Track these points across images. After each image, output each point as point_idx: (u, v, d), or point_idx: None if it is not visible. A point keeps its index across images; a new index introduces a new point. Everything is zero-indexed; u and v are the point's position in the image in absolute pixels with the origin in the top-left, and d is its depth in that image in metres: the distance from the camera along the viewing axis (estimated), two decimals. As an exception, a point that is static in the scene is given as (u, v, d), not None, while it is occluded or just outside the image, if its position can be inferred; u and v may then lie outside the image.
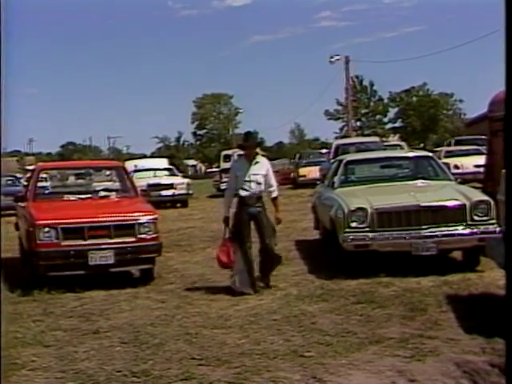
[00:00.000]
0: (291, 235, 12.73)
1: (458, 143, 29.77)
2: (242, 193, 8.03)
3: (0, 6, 3.31)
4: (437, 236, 8.48)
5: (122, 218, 8.97)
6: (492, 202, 8.33)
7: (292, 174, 34.33)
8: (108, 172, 12.62)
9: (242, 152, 8.57)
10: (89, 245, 8.66)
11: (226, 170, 30.35)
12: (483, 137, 18.40)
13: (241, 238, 8.03)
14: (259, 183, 8.05)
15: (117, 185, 11.00)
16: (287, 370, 5.17)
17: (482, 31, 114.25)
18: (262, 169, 8.13)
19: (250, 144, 8.24)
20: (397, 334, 5.97)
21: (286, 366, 5.28)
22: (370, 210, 8.59)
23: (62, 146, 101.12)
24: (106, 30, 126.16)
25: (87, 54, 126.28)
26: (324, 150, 36.74)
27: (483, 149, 18.72)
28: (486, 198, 8.67)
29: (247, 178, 8.01)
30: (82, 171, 12.70)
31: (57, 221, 8.72)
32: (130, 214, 9.08)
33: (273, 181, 8.27)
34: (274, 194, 8.32)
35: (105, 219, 8.88)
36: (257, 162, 8.13)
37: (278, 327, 6.45)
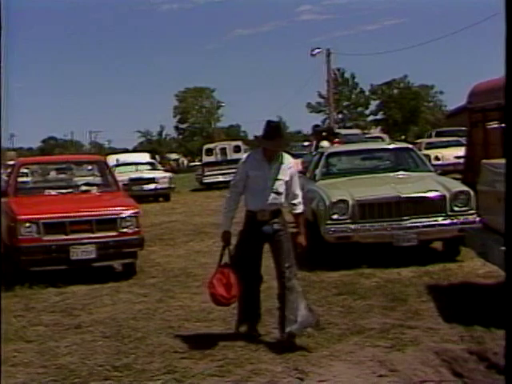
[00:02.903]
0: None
1: (438, 135, 30.00)
2: (254, 204, 5.63)
3: (0, 6, 3.28)
4: (417, 227, 8.55)
5: (104, 213, 8.94)
6: (472, 193, 8.41)
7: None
8: (89, 167, 12.56)
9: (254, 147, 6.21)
10: (70, 239, 8.63)
11: (208, 164, 30.44)
12: (463, 128, 18.52)
13: (246, 266, 5.68)
14: (279, 193, 5.59)
15: (98, 179, 10.97)
16: (269, 362, 5.20)
17: (461, 24, 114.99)
18: (285, 172, 5.63)
19: (274, 147, 5.60)
20: (378, 325, 6.02)
21: (268, 357, 5.31)
22: (351, 202, 8.64)
23: (44, 141, 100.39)
24: (87, 25, 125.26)
25: (68, 48, 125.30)
26: (306, 143, 36.79)
27: (463, 140, 18.87)
28: (465, 188, 8.76)
29: (263, 185, 5.58)
30: (63, 166, 12.66)
31: (38, 216, 8.68)
32: (112, 209, 9.06)
33: (298, 190, 5.75)
34: (299, 209, 5.75)
35: (86, 214, 8.86)
36: (280, 163, 5.63)
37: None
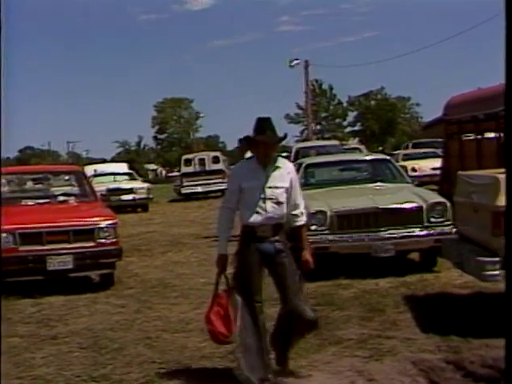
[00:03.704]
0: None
1: (415, 146, 30.31)
2: (252, 218, 4.81)
3: (0, 6, 3.25)
4: (395, 238, 8.61)
5: (81, 223, 8.89)
6: (448, 204, 8.49)
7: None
8: (67, 177, 12.49)
9: (246, 153, 5.83)
10: (47, 250, 8.56)
11: (186, 174, 30.40)
12: (439, 140, 18.74)
13: (247, 293, 4.81)
14: (280, 202, 4.84)
15: (76, 189, 10.91)
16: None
17: (437, 37, 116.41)
18: (284, 178, 4.90)
19: (268, 138, 4.86)
20: (356, 335, 6.05)
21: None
22: (329, 213, 8.68)
23: (20, 151, 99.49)
24: (65, 34, 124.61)
25: (45, 57, 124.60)
26: (284, 154, 36.87)
27: (440, 151, 19.09)
28: (442, 199, 8.84)
29: (261, 194, 4.82)
30: (41, 176, 12.56)
31: (14, 226, 8.60)
32: (90, 219, 9.01)
33: (299, 199, 5.02)
34: (301, 221, 5.02)
35: (63, 224, 8.80)
36: (277, 168, 4.91)
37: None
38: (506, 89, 2.16)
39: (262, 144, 4.83)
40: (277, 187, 4.84)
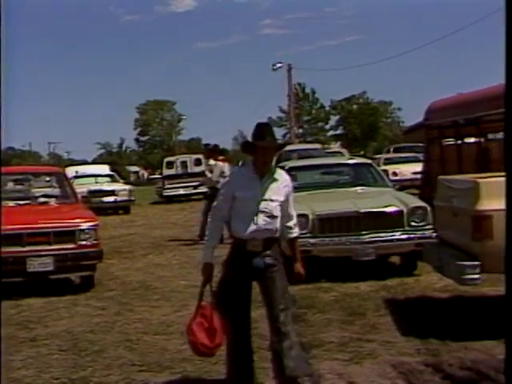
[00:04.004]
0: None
1: (396, 150, 30.50)
2: (243, 231, 4.58)
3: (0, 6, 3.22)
4: (376, 241, 8.66)
5: (62, 225, 8.85)
6: (428, 208, 8.56)
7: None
8: (48, 178, 12.41)
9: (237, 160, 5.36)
10: (27, 251, 8.50)
11: (168, 177, 30.33)
12: (420, 144, 18.88)
13: (233, 309, 4.62)
14: (274, 216, 4.62)
15: (57, 191, 10.85)
16: (228, 375, 5.19)
17: (419, 42, 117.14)
18: (280, 192, 4.67)
19: (267, 144, 4.65)
20: (336, 338, 6.07)
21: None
22: (311, 216, 8.71)
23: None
24: (47, 34, 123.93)
25: (27, 57, 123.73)
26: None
27: (421, 156, 19.23)
28: (422, 204, 8.91)
29: (254, 206, 4.58)
30: (21, 177, 12.45)
31: (-6, 227, 8.52)
32: (70, 221, 8.96)
33: (293, 211, 4.85)
34: (294, 233, 4.88)
35: (44, 226, 8.75)
36: (274, 180, 4.67)
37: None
38: (506, 89, 2.17)
39: (262, 149, 4.59)
40: (272, 200, 4.61)
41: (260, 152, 4.59)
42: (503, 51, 2.17)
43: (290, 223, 4.82)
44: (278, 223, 4.65)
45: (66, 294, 8.58)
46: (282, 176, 4.75)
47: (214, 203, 4.81)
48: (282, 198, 4.65)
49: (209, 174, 13.78)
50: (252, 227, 4.55)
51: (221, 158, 14.17)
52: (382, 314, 6.85)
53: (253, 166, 4.67)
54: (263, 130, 4.75)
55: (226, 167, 13.86)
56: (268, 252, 4.62)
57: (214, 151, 14.53)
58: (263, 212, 4.56)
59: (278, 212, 4.63)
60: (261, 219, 4.56)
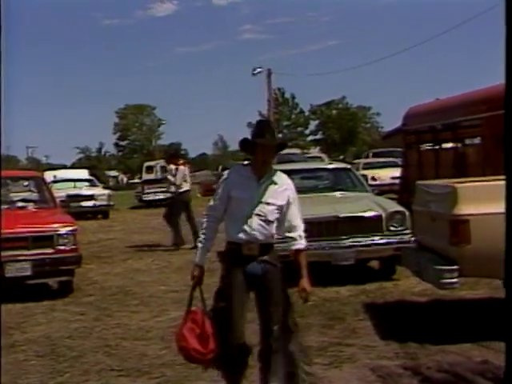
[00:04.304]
0: (213, 246, 12.75)
1: (375, 155, 30.69)
2: (238, 235, 4.30)
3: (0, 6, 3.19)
4: (355, 246, 8.70)
5: (40, 230, 8.78)
6: (407, 213, 8.62)
7: (215, 186, 34.47)
8: (26, 182, 12.30)
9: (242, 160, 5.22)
10: (5, 256, 8.42)
11: (148, 181, 30.22)
12: (399, 149, 19.01)
13: (227, 318, 4.28)
14: (269, 221, 4.31)
15: (35, 195, 10.77)
16: (208, 380, 5.17)
17: (398, 47, 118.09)
18: (278, 195, 4.35)
19: (267, 141, 4.36)
20: (316, 343, 6.08)
21: (206, 375, 5.27)
22: (290, 221, 8.71)
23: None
24: (26, 37, 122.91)
25: (6, 60, 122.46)
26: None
27: (399, 161, 19.36)
28: (401, 208, 8.97)
29: (248, 208, 4.29)
30: (-1, 181, 12.33)
31: (-29, 232, 8.44)
32: (49, 226, 8.90)
33: (297, 220, 4.43)
34: (298, 245, 4.42)
35: (22, 230, 8.68)
36: (272, 182, 4.37)
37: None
38: (506, 89, 2.19)
39: (261, 147, 4.30)
40: (268, 203, 4.29)
41: (259, 150, 4.33)
42: (503, 51, 2.17)
43: (294, 234, 4.39)
44: (273, 229, 4.34)
45: (44, 299, 8.51)
46: (282, 179, 4.43)
47: (210, 202, 4.52)
48: (279, 202, 4.33)
49: (172, 179, 13.90)
50: (246, 230, 4.26)
51: (181, 162, 14.32)
52: (361, 319, 6.88)
53: (251, 165, 4.43)
54: (263, 127, 4.50)
55: (186, 170, 14.18)
56: (265, 257, 4.32)
57: (174, 156, 14.80)
58: (258, 215, 4.28)
59: (273, 217, 4.31)
60: (255, 223, 4.27)
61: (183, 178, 13.75)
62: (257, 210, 4.27)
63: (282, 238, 4.42)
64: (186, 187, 13.79)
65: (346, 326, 6.65)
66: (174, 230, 13.76)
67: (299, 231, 4.41)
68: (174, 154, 15.31)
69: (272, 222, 4.31)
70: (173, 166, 14.03)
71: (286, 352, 4.32)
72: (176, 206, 13.82)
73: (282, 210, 4.34)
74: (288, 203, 4.36)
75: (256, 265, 4.29)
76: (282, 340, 4.30)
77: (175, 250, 13.16)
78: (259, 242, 4.29)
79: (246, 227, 4.27)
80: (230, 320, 4.25)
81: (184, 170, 13.97)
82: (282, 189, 4.36)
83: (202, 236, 4.47)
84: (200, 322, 4.24)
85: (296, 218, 4.40)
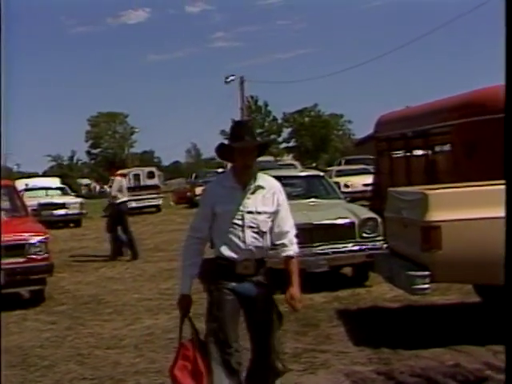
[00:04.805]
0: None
1: (347, 163, 30.89)
2: (229, 251, 3.89)
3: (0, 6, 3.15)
4: (328, 253, 8.74)
5: (12, 238, 8.68)
6: (379, 220, 8.69)
7: (188, 193, 34.37)
8: (-4, 191, 12.16)
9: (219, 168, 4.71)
10: (-25, 266, 8.31)
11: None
12: (371, 156, 19.15)
13: (220, 342, 3.84)
14: (263, 232, 3.92)
15: (6, 204, 10.63)
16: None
17: (369, 55, 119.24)
18: (267, 201, 3.93)
19: (247, 144, 3.88)
20: (290, 349, 6.09)
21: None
22: (263, 228, 8.73)
23: None
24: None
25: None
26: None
27: (371, 168, 19.51)
28: (373, 215, 9.04)
29: (238, 221, 3.86)
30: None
31: None
32: (20, 234, 8.82)
33: (288, 225, 4.01)
34: (289, 251, 4.01)
35: (-8, 239, 8.57)
36: (258, 187, 3.92)
37: (173, 346, 6.38)
38: (506, 89, 2.21)
39: (240, 151, 3.82)
40: (259, 213, 3.86)
41: (239, 155, 3.84)
42: (503, 51, 2.20)
43: (284, 240, 3.97)
44: (268, 241, 3.93)
45: (16, 308, 8.41)
46: (268, 182, 3.98)
47: (191, 222, 4.09)
48: (270, 209, 3.90)
49: (108, 190, 13.90)
50: (240, 246, 3.84)
51: (118, 172, 14.32)
52: (334, 325, 6.91)
53: (232, 173, 3.94)
54: (241, 128, 4.03)
55: (123, 181, 14.14)
56: (259, 277, 3.93)
57: (112, 167, 14.82)
58: (250, 227, 3.84)
59: (266, 227, 3.90)
60: (248, 236, 3.84)
61: (119, 189, 13.54)
62: (248, 222, 3.84)
63: (273, 245, 4.04)
64: (122, 198, 13.57)
65: (320, 332, 6.68)
66: (111, 242, 13.70)
67: (290, 236, 4.00)
68: (112, 164, 15.27)
69: (265, 232, 3.90)
70: (112, 177, 14.07)
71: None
72: (112, 218, 13.73)
73: (272, 216, 3.94)
74: (278, 208, 3.94)
75: (249, 285, 3.90)
76: (276, 362, 4.02)
77: (112, 261, 13.10)
78: (255, 257, 3.90)
79: (239, 242, 3.84)
80: (226, 342, 3.83)
81: (120, 181, 13.82)
82: (270, 193, 3.93)
83: (186, 262, 3.95)
84: (192, 357, 3.83)
85: (286, 223, 3.98)
